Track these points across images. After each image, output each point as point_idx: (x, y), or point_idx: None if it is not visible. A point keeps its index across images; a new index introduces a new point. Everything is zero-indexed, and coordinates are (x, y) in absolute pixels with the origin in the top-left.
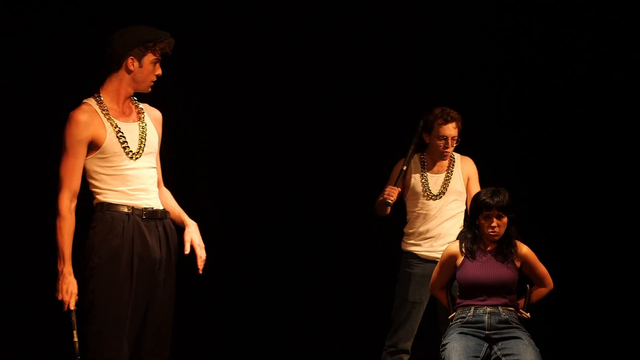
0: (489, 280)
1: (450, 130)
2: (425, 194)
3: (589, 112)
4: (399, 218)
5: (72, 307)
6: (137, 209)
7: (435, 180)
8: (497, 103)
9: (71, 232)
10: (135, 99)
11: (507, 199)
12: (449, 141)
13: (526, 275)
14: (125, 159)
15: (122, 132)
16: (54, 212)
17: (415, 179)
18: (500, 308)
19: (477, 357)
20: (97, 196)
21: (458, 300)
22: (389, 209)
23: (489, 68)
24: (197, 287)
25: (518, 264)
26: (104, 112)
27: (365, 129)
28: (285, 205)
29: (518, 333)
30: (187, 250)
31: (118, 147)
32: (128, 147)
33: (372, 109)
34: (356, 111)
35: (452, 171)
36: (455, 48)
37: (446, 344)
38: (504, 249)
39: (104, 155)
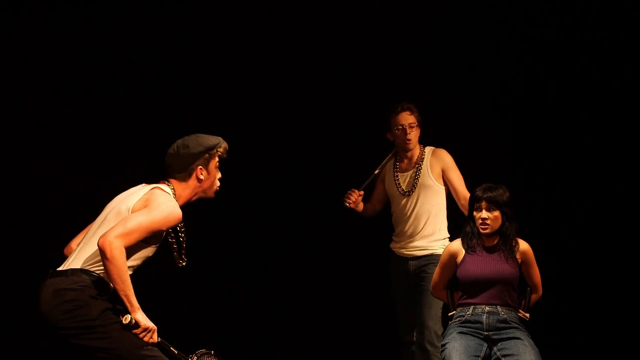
0: (489, 277)
1: (405, 117)
2: (398, 191)
3: (588, 113)
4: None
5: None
6: None
7: (404, 179)
8: (495, 104)
9: None
10: None
11: (502, 194)
12: (407, 128)
13: (523, 275)
14: None
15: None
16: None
17: (389, 180)
18: (499, 307)
19: (478, 356)
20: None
21: (458, 299)
22: (361, 207)
23: (490, 68)
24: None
25: (519, 259)
26: None
27: (349, 130)
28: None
29: (517, 333)
30: None
31: None
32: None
33: (363, 109)
34: (349, 111)
35: (420, 167)
36: (451, 48)
37: (446, 343)
38: (503, 246)
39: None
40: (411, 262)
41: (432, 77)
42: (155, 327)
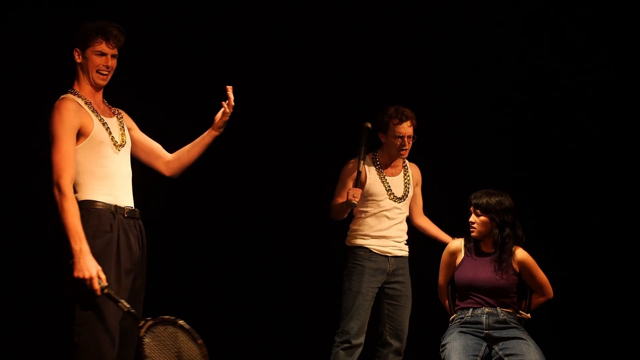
0: (483, 283)
1: (406, 128)
2: (390, 196)
3: (588, 115)
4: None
5: (104, 283)
6: (120, 208)
7: (395, 183)
8: (496, 106)
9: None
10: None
11: (493, 201)
12: (406, 139)
13: (526, 282)
14: (110, 150)
15: (106, 123)
16: (56, 197)
17: (372, 180)
18: (498, 309)
19: (477, 355)
20: (78, 193)
21: (457, 302)
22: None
23: (488, 69)
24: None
25: (517, 268)
26: (86, 103)
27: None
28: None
29: (518, 333)
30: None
31: (105, 136)
32: (113, 137)
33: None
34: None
35: (408, 175)
36: (449, 49)
37: (446, 343)
38: (500, 254)
39: (91, 145)
40: (392, 259)
41: (433, 79)
42: (93, 276)
